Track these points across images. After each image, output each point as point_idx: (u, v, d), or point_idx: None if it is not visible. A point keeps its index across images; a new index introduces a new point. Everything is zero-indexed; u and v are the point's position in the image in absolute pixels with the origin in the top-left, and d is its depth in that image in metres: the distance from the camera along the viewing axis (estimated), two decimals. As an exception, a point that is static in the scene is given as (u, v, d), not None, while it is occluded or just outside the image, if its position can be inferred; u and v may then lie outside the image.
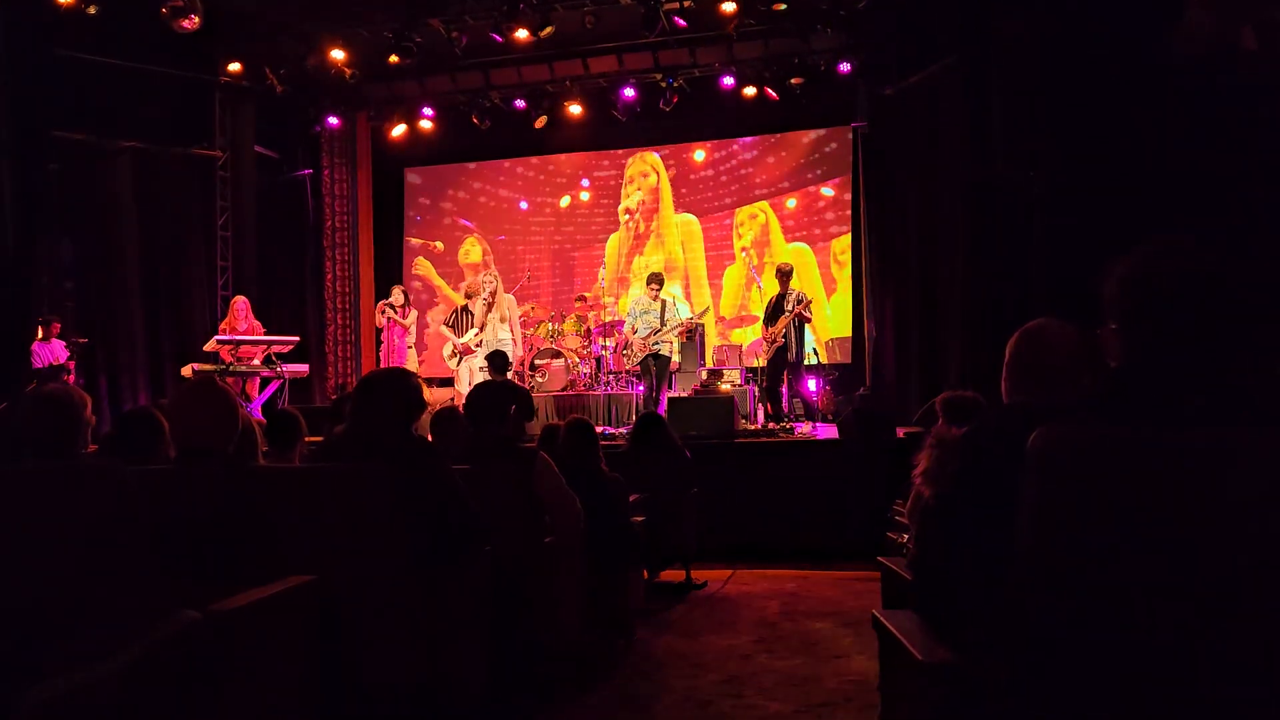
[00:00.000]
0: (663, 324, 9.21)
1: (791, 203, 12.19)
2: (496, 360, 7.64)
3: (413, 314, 10.87)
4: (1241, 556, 1.32)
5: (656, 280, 9.48)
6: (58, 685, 1.67)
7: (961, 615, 1.79)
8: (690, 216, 12.60)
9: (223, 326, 9.42)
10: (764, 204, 12.27)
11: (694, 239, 12.52)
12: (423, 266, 13.42)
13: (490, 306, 9.28)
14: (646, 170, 12.80)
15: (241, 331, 9.29)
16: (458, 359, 9.67)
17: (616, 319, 10.73)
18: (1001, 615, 1.49)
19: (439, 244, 13.40)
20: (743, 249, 12.15)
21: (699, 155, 12.66)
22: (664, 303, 9.33)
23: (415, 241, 13.44)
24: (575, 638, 4.06)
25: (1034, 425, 1.42)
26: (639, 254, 12.76)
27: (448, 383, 11.37)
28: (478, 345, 9.36)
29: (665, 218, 12.70)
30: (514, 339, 9.42)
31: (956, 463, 1.78)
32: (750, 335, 11.26)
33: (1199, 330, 1.47)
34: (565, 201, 13.15)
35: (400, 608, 2.75)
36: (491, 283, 9.40)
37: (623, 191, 12.85)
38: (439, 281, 13.42)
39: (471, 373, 9.42)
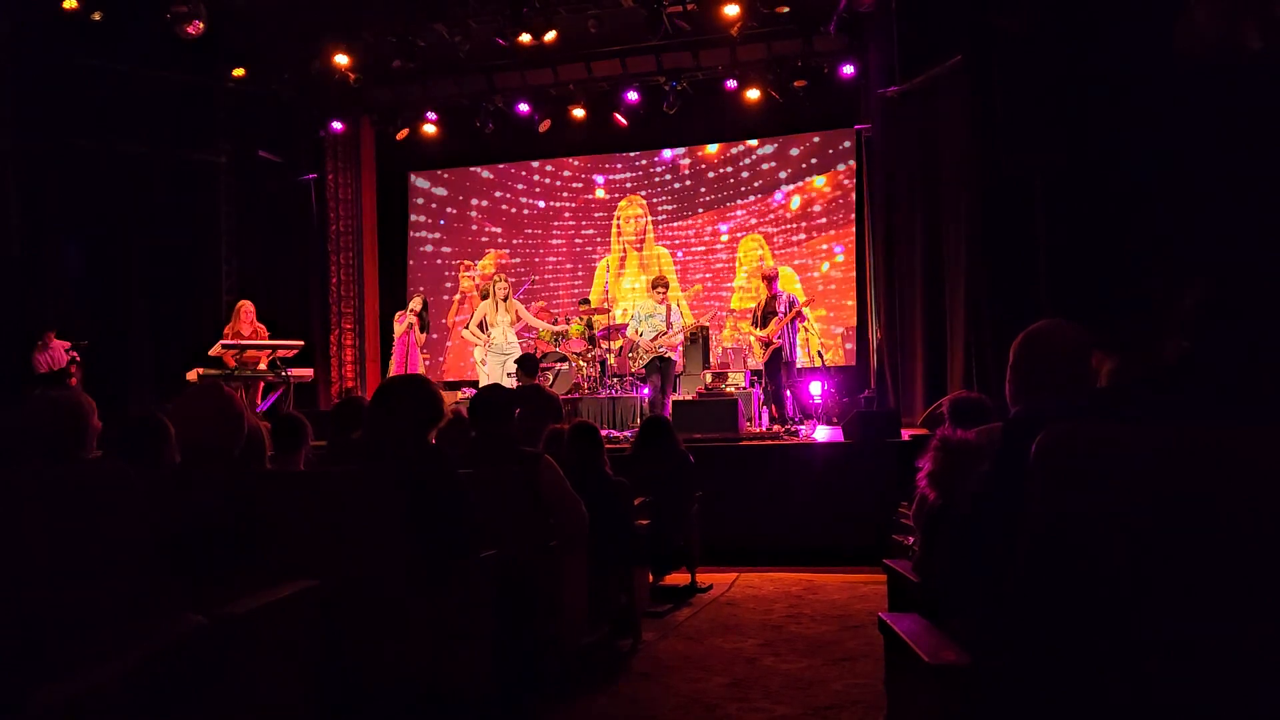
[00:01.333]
0: (668, 326, 9.24)
1: (822, 190, 12.18)
2: (527, 364, 7.65)
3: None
4: (1258, 555, 1.31)
5: (661, 284, 9.51)
6: (62, 688, 1.67)
7: (969, 618, 1.79)
8: (664, 250, 12.76)
9: (227, 331, 9.42)
10: (759, 236, 12.34)
11: (668, 267, 12.67)
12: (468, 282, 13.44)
13: (498, 308, 9.37)
14: (639, 213, 12.96)
15: (246, 336, 9.30)
16: (484, 362, 9.66)
17: (620, 323, 10.75)
18: (1010, 617, 1.48)
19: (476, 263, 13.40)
20: (747, 274, 12.25)
21: (704, 155, 12.68)
22: (669, 306, 9.37)
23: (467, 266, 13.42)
24: (580, 640, 4.06)
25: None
26: (622, 273, 12.88)
27: (453, 386, 11.39)
28: (482, 335, 9.46)
29: (648, 251, 12.88)
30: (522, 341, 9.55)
31: (981, 467, 1.78)
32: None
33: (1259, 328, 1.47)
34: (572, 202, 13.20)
35: (405, 611, 2.75)
36: (504, 287, 9.48)
37: (613, 228, 12.95)
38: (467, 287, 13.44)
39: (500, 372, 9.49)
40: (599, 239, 13.08)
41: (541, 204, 13.27)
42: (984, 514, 1.67)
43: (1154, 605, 1.33)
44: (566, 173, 13.18)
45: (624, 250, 12.92)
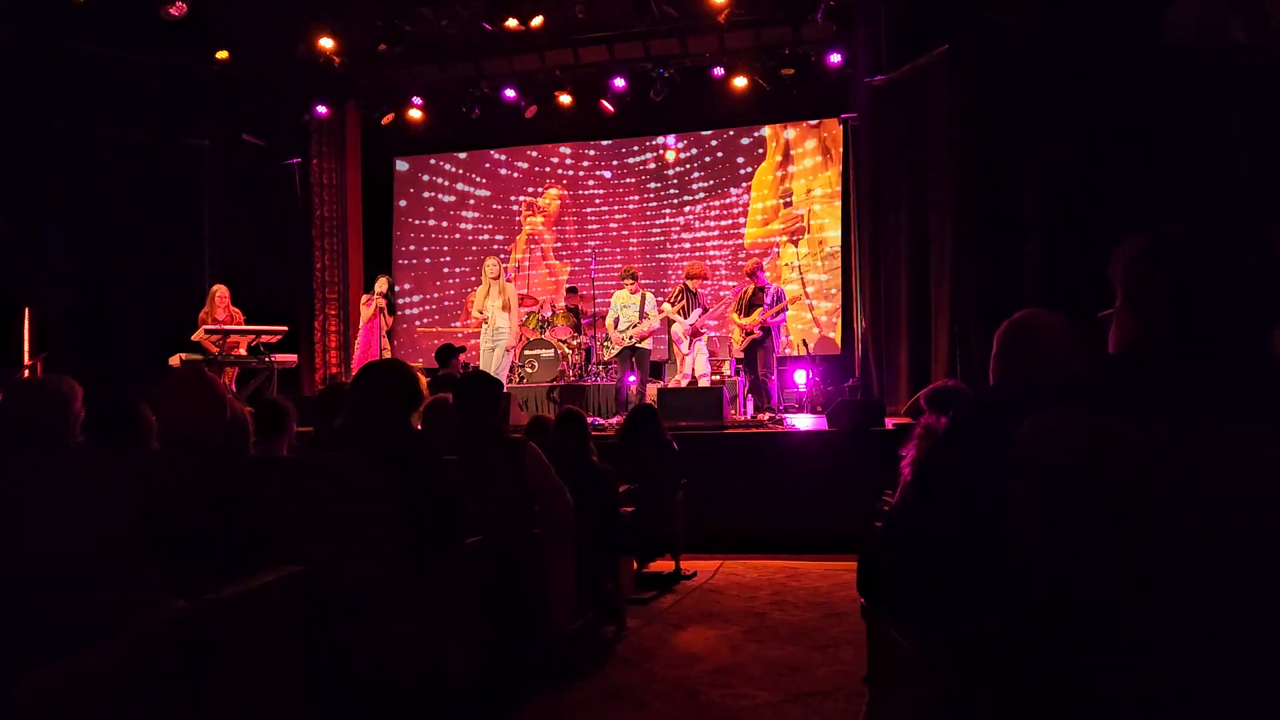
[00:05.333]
0: (642, 316, 9.28)
1: (808, 179, 12.19)
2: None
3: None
4: (1249, 553, 1.29)
5: (631, 275, 9.58)
6: (46, 676, 1.66)
7: (924, 601, 1.77)
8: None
9: (202, 315, 9.35)
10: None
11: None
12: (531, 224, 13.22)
13: (489, 290, 9.38)
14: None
15: (221, 320, 9.23)
16: (688, 340, 9.53)
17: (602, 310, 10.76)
18: (984, 604, 1.48)
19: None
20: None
21: (690, 142, 12.66)
22: (643, 296, 9.42)
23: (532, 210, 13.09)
24: (565, 627, 4.07)
25: (1019, 406, 1.41)
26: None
27: (432, 372, 11.34)
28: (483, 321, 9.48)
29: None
30: (512, 326, 9.51)
31: (940, 441, 1.76)
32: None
33: (1215, 311, 1.43)
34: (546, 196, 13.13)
35: (391, 597, 2.75)
36: (495, 267, 9.48)
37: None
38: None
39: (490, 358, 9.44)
40: (630, 221, 13.05)
41: (534, 188, 13.25)
42: (946, 494, 1.64)
43: (1149, 601, 1.33)
44: (593, 163, 13.13)
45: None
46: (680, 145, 12.69)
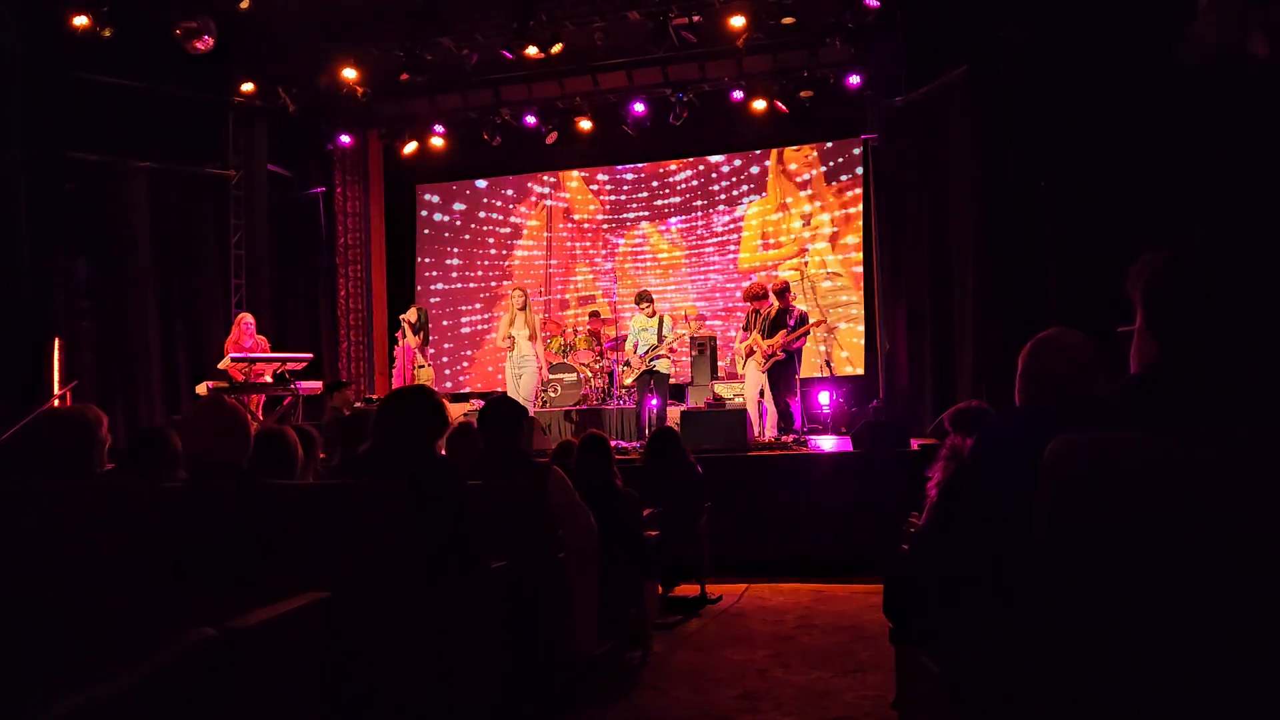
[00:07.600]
0: (660, 339, 9.25)
1: (829, 200, 12.20)
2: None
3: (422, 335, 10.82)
4: (1274, 566, 1.28)
5: (646, 299, 9.57)
6: (71, 700, 1.67)
7: (950, 621, 1.76)
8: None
9: (228, 344, 9.44)
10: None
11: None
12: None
13: (514, 319, 9.39)
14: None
15: (247, 348, 9.32)
16: (742, 361, 9.41)
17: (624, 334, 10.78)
18: (1011, 626, 1.47)
19: None
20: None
21: (709, 165, 12.70)
22: (661, 318, 9.41)
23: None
24: (590, 652, 4.05)
25: (1046, 425, 1.40)
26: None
27: (461, 398, 11.39)
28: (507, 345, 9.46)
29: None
30: (537, 353, 9.51)
31: (965, 463, 1.75)
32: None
33: (1237, 327, 1.43)
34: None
35: (414, 623, 2.74)
36: (520, 297, 9.49)
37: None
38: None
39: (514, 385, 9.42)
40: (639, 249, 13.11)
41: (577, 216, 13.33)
42: (972, 516, 1.63)
43: (1176, 621, 1.31)
44: (595, 184, 13.22)
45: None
46: (706, 167, 12.73)
